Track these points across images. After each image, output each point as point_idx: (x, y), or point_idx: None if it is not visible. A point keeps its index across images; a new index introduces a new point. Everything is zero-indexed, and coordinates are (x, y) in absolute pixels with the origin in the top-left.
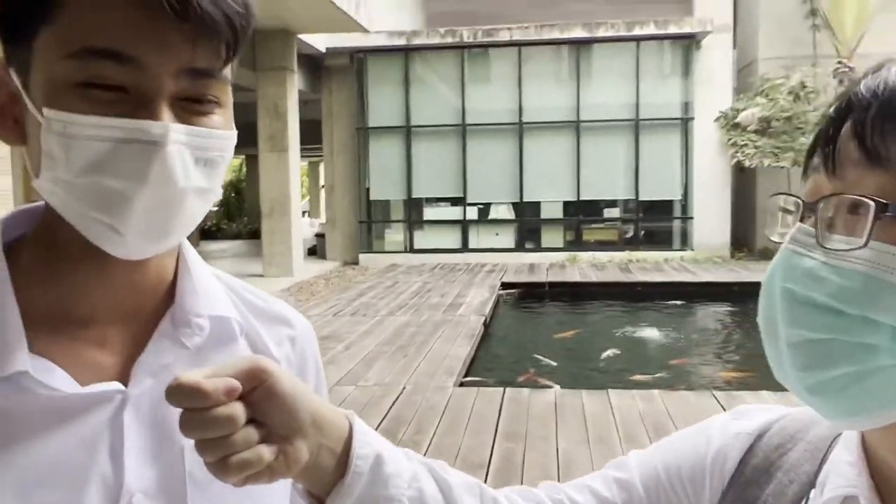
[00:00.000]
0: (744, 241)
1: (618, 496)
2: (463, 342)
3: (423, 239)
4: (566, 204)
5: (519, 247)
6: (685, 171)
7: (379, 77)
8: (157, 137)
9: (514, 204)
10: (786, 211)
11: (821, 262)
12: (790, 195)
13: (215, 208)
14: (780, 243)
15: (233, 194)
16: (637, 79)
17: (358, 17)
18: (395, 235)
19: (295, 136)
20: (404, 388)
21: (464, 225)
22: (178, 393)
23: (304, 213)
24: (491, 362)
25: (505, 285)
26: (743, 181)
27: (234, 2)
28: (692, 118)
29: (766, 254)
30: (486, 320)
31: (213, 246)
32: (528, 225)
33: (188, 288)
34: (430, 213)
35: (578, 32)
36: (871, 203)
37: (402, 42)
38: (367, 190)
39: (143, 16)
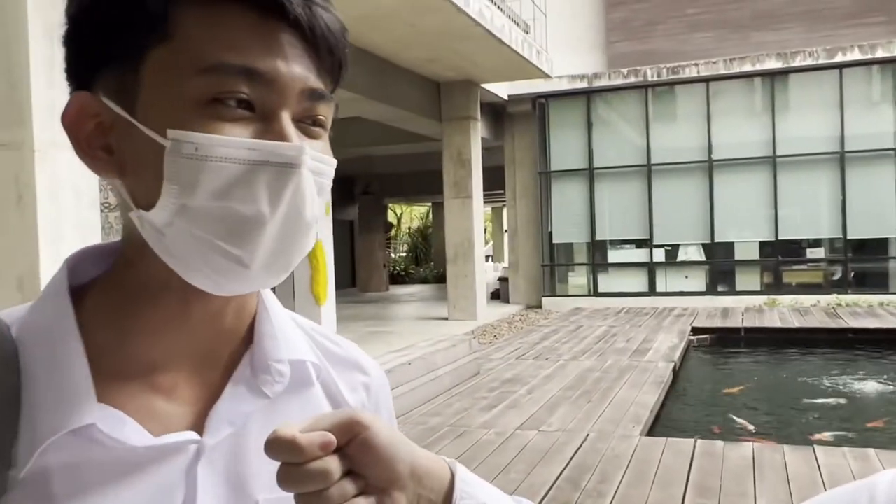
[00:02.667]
0: None
1: None
2: (650, 389)
3: (607, 282)
4: (763, 244)
5: (710, 290)
6: None
7: (561, 120)
8: (291, 160)
9: (704, 245)
10: None
11: None
12: None
13: (403, 254)
14: None
15: (420, 240)
16: (841, 108)
17: (540, 64)
18: (578, 279)
19: (478, 182)
20: (588, 435)
21: (650, 267)
22: (274, 447)
23: (487, 257)
24: (680, 412)
25: (696, 330)
26: None
27: (340, 24)
28: None
29: None
30: (675, 367)
31: (401, 290)
32: (720, 267)
33: (268, 331)
34: (614, 255)
35: (772, 63)
36: None
37: (583, 85)
38: (550, 233)
39: (268, 31)
